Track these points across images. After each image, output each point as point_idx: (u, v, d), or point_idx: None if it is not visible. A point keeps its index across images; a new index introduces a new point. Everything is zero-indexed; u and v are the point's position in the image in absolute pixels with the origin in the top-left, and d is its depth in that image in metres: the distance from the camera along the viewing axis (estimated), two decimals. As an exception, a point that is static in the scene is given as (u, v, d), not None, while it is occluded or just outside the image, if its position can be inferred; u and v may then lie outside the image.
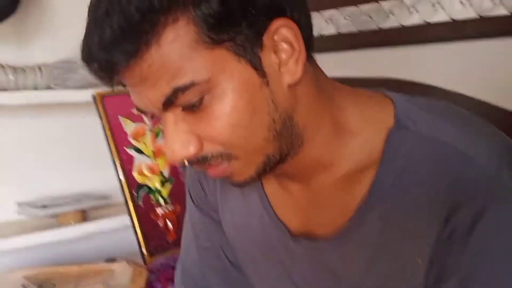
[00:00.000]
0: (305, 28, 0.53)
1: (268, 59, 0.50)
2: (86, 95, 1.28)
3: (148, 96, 0.49)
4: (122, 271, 1.17)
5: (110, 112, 1.27)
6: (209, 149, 0.51)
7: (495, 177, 0.49)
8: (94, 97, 1.27)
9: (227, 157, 0.52)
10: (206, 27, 0.47)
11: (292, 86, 0.52)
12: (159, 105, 0.49)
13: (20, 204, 1.34)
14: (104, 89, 1.27)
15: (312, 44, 0.55)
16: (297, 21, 0.51)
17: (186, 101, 0.49)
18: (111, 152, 1.25)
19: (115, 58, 0.46)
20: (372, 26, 1.14)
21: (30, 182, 1.39)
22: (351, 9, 1.19)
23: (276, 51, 0.51)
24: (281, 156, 0.54)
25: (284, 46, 0.51)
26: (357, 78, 1.14)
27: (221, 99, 0.49)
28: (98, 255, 1.38)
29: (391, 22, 1.11)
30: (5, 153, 1.37)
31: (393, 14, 1.10)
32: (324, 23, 1.25)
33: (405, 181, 0.53)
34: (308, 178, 0.60)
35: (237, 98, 0.49)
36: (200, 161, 0.52)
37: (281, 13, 0.50)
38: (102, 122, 1.25)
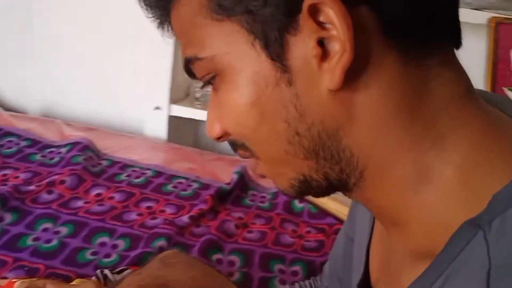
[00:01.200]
0: (393, 10, 0.34)
1: (302, 48, 0.35)
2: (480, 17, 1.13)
3: None
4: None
5: (503, 44, 1.07)
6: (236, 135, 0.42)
7: None
8: (488, 21, 1.09)
9: (251, 153, 0.41)
10: None
11: (337, 92, 0.35)
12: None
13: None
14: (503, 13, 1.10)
15: (419, 33, 0.36)
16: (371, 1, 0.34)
17: (199, 75, 0.40)
18: (485, 86, 1.07)
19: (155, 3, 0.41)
20: None
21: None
22: None
23: (324, 39, 0.34)
24: (329, 182, 0.39)
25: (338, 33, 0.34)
26: None
27: (228, 87, 0.38)
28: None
29: None
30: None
31: None
32: None
33: None
34: (386, 227, 0.44)
35: (242, 91, 0.37)
36: (232, 145, 0.43)
37: None
38: (487, 52, 1.08)
